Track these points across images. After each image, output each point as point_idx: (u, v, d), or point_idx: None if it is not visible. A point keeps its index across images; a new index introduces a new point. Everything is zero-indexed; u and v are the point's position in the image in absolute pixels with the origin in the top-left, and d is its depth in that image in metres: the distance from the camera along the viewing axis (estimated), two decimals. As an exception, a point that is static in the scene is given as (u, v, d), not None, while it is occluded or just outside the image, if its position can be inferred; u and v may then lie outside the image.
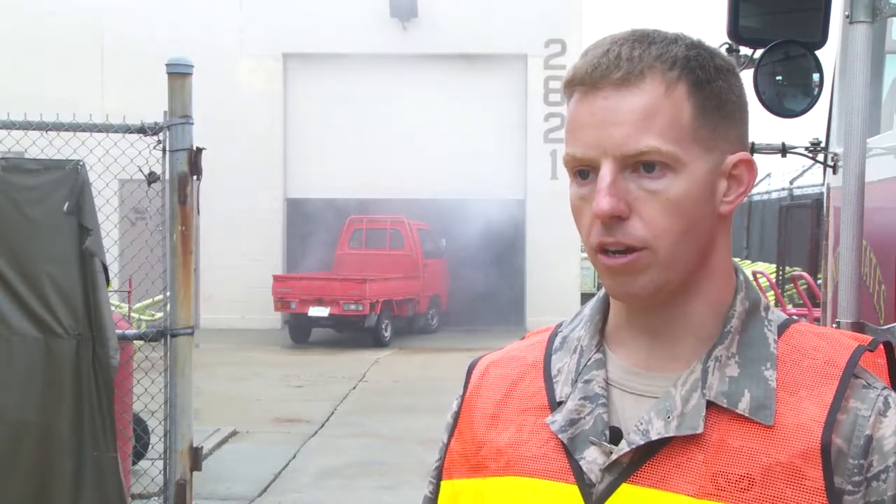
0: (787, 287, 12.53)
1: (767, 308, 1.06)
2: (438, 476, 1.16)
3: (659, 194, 0.97)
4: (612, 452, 1.00)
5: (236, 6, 17.32)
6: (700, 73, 1.00)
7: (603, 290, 1.10)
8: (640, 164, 0.97)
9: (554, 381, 1.09)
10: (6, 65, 16.45)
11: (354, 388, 11.30)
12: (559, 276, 16.92)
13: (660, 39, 1.00)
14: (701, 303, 1.04)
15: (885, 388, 1.01)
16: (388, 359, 13.85)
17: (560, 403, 1.06)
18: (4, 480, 3.90)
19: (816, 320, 8.22)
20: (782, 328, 1.05)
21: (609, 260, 0.98)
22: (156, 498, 4.83)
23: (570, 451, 1.02)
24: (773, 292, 11.74)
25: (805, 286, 10.55)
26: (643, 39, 1.00)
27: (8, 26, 16.81)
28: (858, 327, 2.13)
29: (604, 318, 1.10)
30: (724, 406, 0.99)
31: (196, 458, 4.25)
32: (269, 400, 10.45)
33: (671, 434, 0.98)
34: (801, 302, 10.73)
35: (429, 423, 8.39)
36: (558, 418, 1.04)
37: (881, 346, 1.07)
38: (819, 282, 7.14)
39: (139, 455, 6.15)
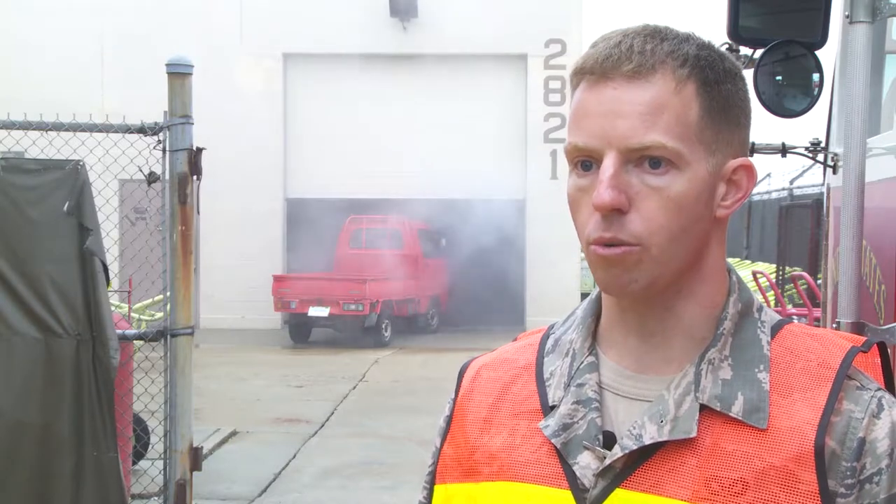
0: (787, 287, 12.52)
1: (760, 309, 1.05)
2: (432, 481, 1.15)
3: (661, 191, 0.97)
4: (605, 457, 0.99)
5: (236, 6, 17.31)
6: (710, 73, 0.99)
7: (595, 292, 1.10)
8: (645, 159, 0.97)
9: (546, 384, 1.08)
10: (6, 65, 16.46)
11: (354, 388, 11.30)
12: (559, 276, 16.91)
13: (672, 36, 1.00)
14: (694, 305, 1.03)
15: (878, 389, 1.00)
16: (388, 359, 13.85)
17: (553, 407, 1.05)
18: (4, 480, 3.90)
19: (816, 320, 8.22)
20: (775, 329, 1.04)
21: (604, 250, 0.98)
22: (156, 498, 4.83)
23: (563, 456, 1.02)
24: (773, 292, 11.73)
25: (805, 286, 10.54)
26: (655, 35, 1.00)
27: (8, 26, 16.81)
28: (858, 327, 2.14)
29: (596, 319, 1.09)
30: (718, 409, 0.98)
31: (196, 458, 4.25)
32: (269, 400, 10.44)
33: (664, 438, 0.98)
34: (801, 302, 10.73)
35: (429, 423, 8.39)
36: (551, 423, 1.04)
37: (875, 346, 1.06)
38: (819, 282, 7.13)
39: (139, 455, 6.16)
